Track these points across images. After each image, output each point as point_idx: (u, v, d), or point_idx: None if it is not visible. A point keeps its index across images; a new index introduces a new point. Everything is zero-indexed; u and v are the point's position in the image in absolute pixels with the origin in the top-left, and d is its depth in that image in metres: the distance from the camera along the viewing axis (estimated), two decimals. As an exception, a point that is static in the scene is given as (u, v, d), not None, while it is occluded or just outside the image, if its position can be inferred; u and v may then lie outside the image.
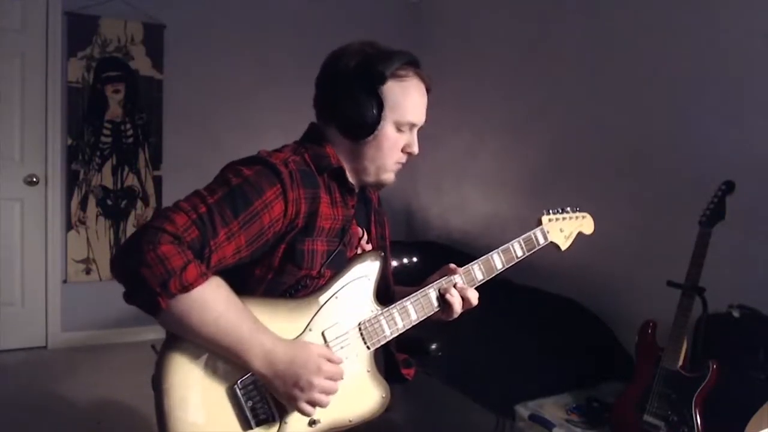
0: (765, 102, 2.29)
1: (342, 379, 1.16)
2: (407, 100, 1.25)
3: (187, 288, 1.02)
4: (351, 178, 1.30)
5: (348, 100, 1.22)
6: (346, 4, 4.15)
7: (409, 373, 1.45)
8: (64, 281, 3.58)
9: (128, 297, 1.04)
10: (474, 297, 1.33)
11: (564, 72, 3.18)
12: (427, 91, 1.30)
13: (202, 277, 1.04)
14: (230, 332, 1.06)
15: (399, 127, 1.27)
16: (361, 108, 1.22)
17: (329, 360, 1.15)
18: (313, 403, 1.12)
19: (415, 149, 1.31)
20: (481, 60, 3.75)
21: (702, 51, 2.51)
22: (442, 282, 1.32)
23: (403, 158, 1.32)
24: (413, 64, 1.27)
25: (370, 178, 1.31)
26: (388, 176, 1.32)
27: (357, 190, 1.32)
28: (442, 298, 1.31)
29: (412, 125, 1.29)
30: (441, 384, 2.62)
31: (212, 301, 1.05)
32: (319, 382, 1.11)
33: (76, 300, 3.58)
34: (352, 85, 1.22)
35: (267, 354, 1.08)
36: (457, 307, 1.31)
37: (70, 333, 3.59)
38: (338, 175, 1.27)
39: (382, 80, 1.22)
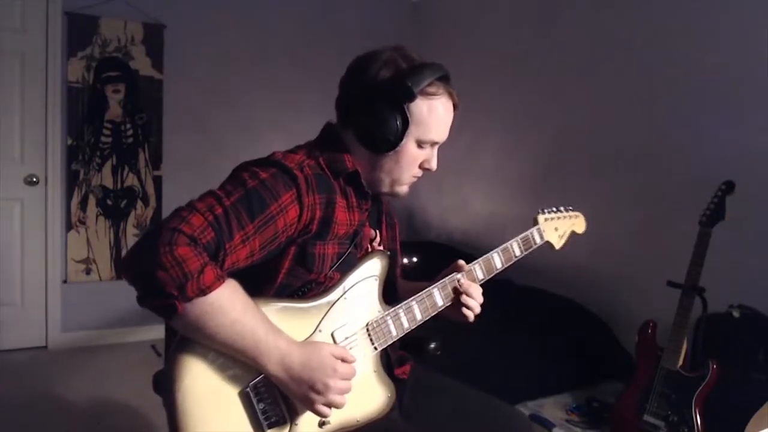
0: (765, 102, 2.29)
1: (354, 376, 1.16)
2: (432, 119, 1.22)
3: (204, 291, 1.00)
4: (365, 184, 1.28)
5: (373, 113, 1.19)
6: (346, 4, 4.15)
7: (404, 371, 1.44)
8: (64, 281, 3.58)
9: (142, 300, 1.02)
10: (477, 294, 1.33)
11: (564, 72, 3.18)
12: (455, 107, 1.26)
13: (219, 281, 1.02)
14: (246, 336, 1.05)
15: (420, 144, 1.25)
16: (385, 123, 1.19)
17: (343, 359, 1.15)
18: (330, 405, 1.12)
19: (434, 165, 1.29)
20: (481, 60, 3.75)
21: (702, 51, 2.51)
22: (446, 282, 1.32)
23: (420, 173, 1.30)
24: (444, 80, 1.23)
25: (384, 189, 1.30)
26: (402, 189, 1.31)
27: (371, 194, 1.30)
28: (457, 300, 1.31)
29: (433, 143, 1.27)
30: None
31: (229, 305, 1.04)
32: (335, 383, 1.11)
33: (76, 300, 3.58)
34: (379, 98, 1.19)
35: (283, 357, 1.08)
36: (475, 310, 1.31)
37: (70, 333, 3.59)
38: (354, 179, 1.26)
39: (411, 98, 1.18)
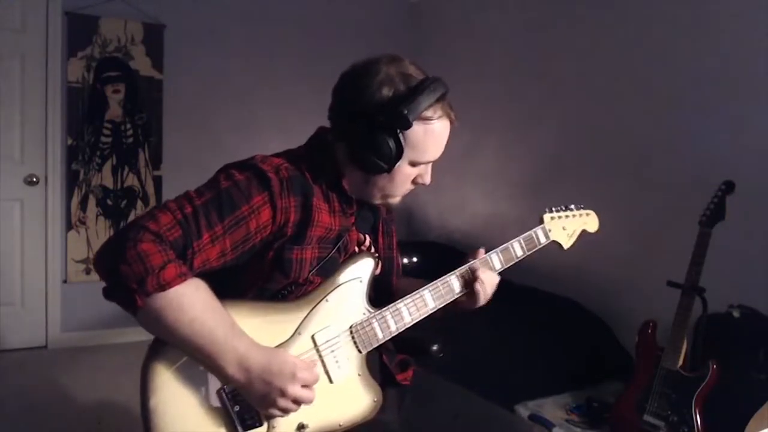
0: (765, 102, 2.29)
1: (316, 383, 1.14)
2: (428, 142, 1.20)
3: (163, 287, 1.01)
4: (350, 190, 1.27)
5: (367, 137, 1.16)
6: (346, 4, 4.15)
7: (406, 377, 1.43)
8: (64, 281, 3.58)
9: (107, 293, 1.04)
10: (490, 281, 1.32)
11: (564, 72, 3.18)
12: (451, 123, 1.23)
13: (180, 278, 1.02)
14: (204, 335, 1.04)
15: (414, 165, 1.23)
16: (379, 149, 1.15)
17: (305, 368, 1.13)
18: (285, 411, 1.10)
19: (427, 180, 1.28)
20: (481, 60, 3.75)
21: (702, 51, 2.51)
22: (437, 284, 1.30)
23: (413, 187, 1.28)
24: (441, 98, 1.18)
25: (375, 201, 1.29)
26: (395, 200, 1.30)
27: (355, 198, 1.29)
28: (471, 281, 1.30)
29: (428, 162, 1.25)
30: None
31: (188, 303, 1.04)
32: (293, 390, 1.09)
33: (76, 300, 3.58)
34: (373, 121, 1.15)
35: (241, 361, 1.06)
36: (487, 290, 1.31)
37: (70, 333, 3.59)
38: (336, 184, 1.25)
39: (407, 126, 1.14)
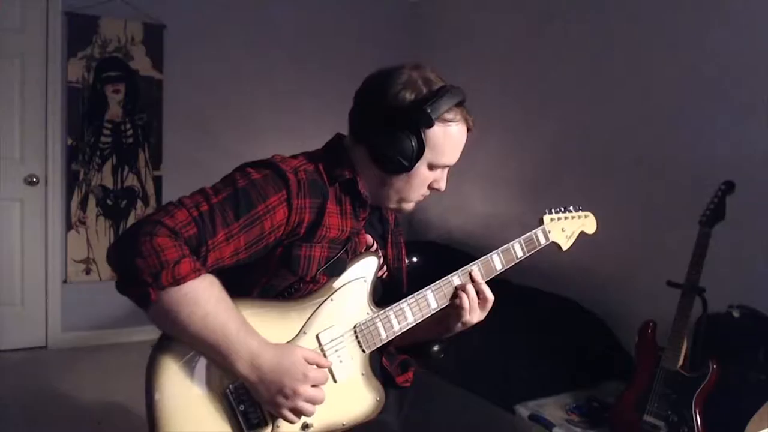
0: (765, 102, 2.29)
1: (326, 383, 1.15)
2: (447, 144, 1.23)
3: (178, 281, 1.01)
4: (366, 193, 1.27)
5: (389, 136, 1.18)
6: (346, 4, 4.15)
7: (407, 378, 1.43)
8: (64, 281, 3.58)
9: (120, 286, 1.05)
10: (488, 291, 1.30)
11: (564, 72, 3.18)
12: (468, 130, 1.27)
13: (194, 273, 1.03)
14: (217, 331, 1.05)
15: (432, 167, 1.25)
16: (401, 147, 1.18)
17: (317, 364, 1.14)
18: (297, 412, 1.10)
19: (443, 186, 1.30)
20: (481, 60, 3.75)
21: (702, 51, 2.51)
22: (440, 284, 1.30)
23: (428, 192, 1.30)
24: (461, 104, 1.23)
25: (391, 204, 1.31)
26: (409, 206, 1.31)
27: (369, 202, 1.29)
28: (460, 296, 1.28)
29: (445, 166, 1.28)
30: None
31: (202, 298, 1.05)
32: (304, 390, 1.09)
33: (76, 300, 3.58)
34: (396, 121, 1.18)
35: (253, 357, 1.07)
36: (470, 304, 1.28)
37: (70, 333, 3.59)
38: (351, 186, 1.26)
39: (429, 124, 1.18)
